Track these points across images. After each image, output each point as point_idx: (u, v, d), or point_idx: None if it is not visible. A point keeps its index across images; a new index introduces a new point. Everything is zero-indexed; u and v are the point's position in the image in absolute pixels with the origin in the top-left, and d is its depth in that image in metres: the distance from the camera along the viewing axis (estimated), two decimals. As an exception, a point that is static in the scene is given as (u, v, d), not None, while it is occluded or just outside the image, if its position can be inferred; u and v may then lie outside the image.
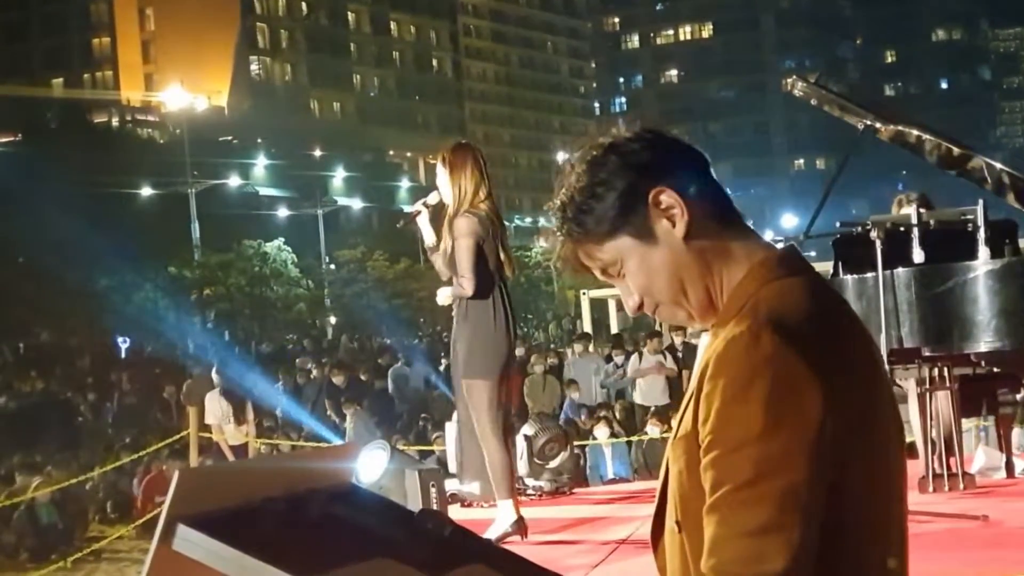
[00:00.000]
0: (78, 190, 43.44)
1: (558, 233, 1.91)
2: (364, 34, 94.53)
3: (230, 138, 72.88)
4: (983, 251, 6.51)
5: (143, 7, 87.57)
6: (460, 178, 6.20)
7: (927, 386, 6.72)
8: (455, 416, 8.85)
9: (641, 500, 7.53)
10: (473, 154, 6.34)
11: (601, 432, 14.16)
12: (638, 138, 1.90)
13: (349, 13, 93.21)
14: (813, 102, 7.85)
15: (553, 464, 8.60)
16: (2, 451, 17.22)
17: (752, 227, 1.93)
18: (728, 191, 1.94)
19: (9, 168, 45.94)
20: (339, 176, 75.14)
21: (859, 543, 1.77)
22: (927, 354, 6.59)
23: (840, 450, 1.72)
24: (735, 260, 1.86)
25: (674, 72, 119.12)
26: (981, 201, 6.63)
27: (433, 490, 6.33)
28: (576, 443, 11.94)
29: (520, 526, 6.12)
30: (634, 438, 14.38)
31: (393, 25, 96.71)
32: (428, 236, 6.55)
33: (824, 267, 6.82)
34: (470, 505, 7.58)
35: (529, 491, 8.08)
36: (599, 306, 23.01)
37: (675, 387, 15.46)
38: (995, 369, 6.96)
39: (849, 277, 6.69)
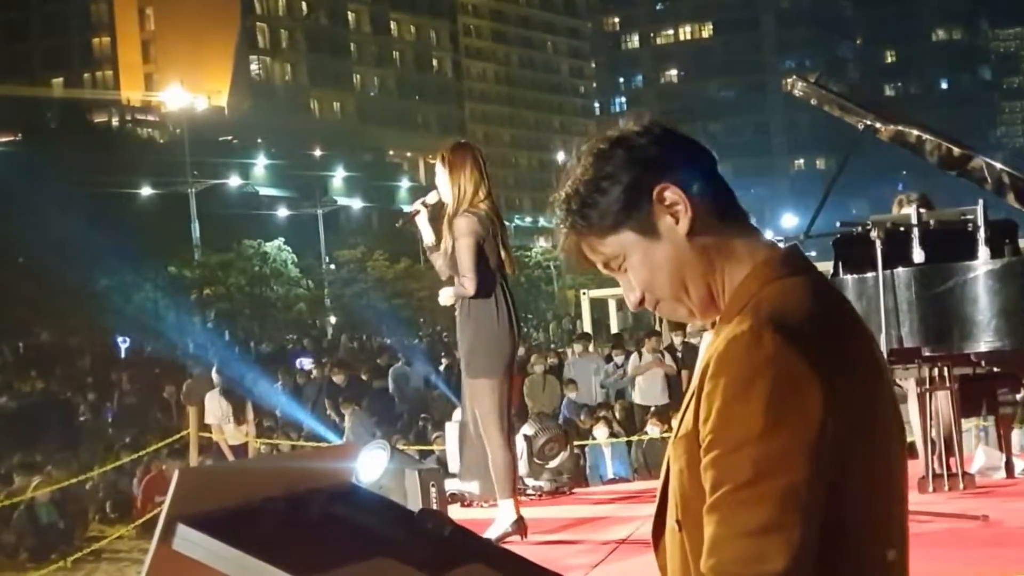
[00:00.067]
0: (78, 190, 43.45)
1: (562, 225, 1.91)
2: (364, 34, 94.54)
3: (230, 138, 72.89)
4: (983, 251, 6.50)
5: (143, 7, 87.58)
6: (460, 178, 6.19)
7: (927, 386, 6.72)
8: (455, 416, 8.86)
9: (641, 500, 7.53)
10: (472, 154, 6.34)
11: (601, 432, 14.16)
12: (646, 132, 1.89)
13: (349, 13, 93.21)
14: (813, 102, 7.84)
15: (553, 464, 8.60)
16: (2, 451, 17.23)
17: (756, 226, 1.93)
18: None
19: (9, 168, 45.94)
20: (339, 176, 75.16)
21: (860, 543, 1.76)
22: (927, 354, 6.59)
23: (841, 450, 1.72)
24: (738, 258, 1.86)
25: (674, 72, 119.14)
26: (981, 201, 6.63)
27: (433, 490, 6.34)
28: (576, 443, 11.94)
29: (520, 526, 6.12)
30: (634, 438, 14.38)
31: (393, 25, 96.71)
32: (427, 236, 6.53)
33: (824, 267, 6.81)
34: (470, 505, 7.58)
35: (529, 491, 8.08)
36: (599, 306, 23.03)
37: (674, 387, 15.45)
38: (995, 369, 6.95)
39: (849, 277, 6.68)
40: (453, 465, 8.14)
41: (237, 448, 14.38)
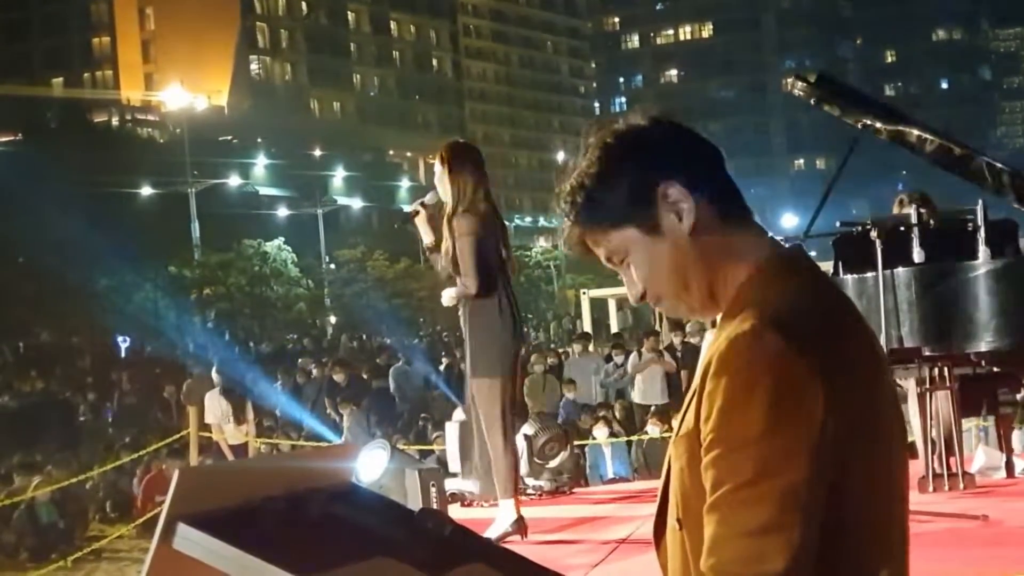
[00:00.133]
0: (78, 190, 43.44)
1: (566, 217, 1.91)
2: (364, 34, 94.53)
3: (230, 138, 72.89)
4: (983, 251, 6.50)
5: (143, 7, 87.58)
6: (458, 177, 6.18)
7: (927, 386, 6.72)
8: (455, 415, 8.86)
9: (641, 500, 7.53)
10: (471, 153, 6.34)
11: (601, 432, 14.15)
12: (653, 128, 1.89)
13: (349, 13, 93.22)
14: (812, 102, 7.84)
15: (553, 464, 8.60)
16: (2, 451, 17.23)
17: (760, 224, 1.92)
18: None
19: (9, 168, 45.94)
20: (339, 176, 75.16)
21: (860, 543, 1.76)
22: (927, 354, 6.59)
23: (841, 450, 1.72)
24: (741, 257, 1.86)
25: (674, 72, 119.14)
26: (981, 201, 6.63)
27: (433, 489, 6.34)
28: (576, 443, 11.93)
29: (520, 526, 6.12)
30: (634, 438, 14.38)
31: (393, 25, 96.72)
32: (427, 236, 6.52)
33: (824, 267, 6.81)
34: (470, 504, 7.58)
35: (529, 491, 8.08)
36: (599, 306, 23.03)
37: (674, 386, 15.45)
38: (995, 369, 6.96)
39: (849, 277, 6.68)
40: (453, 465, 8.14)
41: (237, 448, 14.37)
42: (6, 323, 35.10)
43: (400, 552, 1.87)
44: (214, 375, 15.21)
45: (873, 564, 1.79)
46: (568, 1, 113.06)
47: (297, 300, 48.03)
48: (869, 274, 6.55)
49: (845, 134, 7.76)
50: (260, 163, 71.20)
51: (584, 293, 22.18)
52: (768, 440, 1.69)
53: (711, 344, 1.82)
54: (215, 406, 14.44)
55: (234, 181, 63.00)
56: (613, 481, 13.08)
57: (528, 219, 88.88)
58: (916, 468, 6.47)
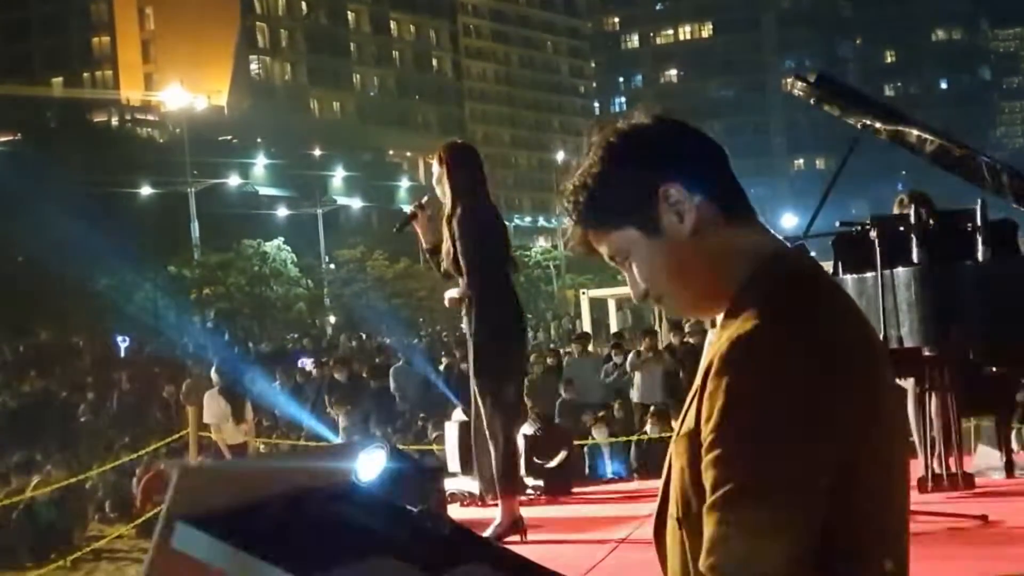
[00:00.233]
0: (78, 190, 43.45)
1: (569, 216, 1.92)
2: (364, 34, 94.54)
3: (230, 138, 72.90)
4: (983, 251, 6.50)
5: (143, 7, 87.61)
6: (457, 178, 6.18)
7: (926, 386, 6.72)
8: (455, 415, 8.86)
9: (640, 499, 7.53)
10: (469, 153, 6.33)
11: (600, 432, 14.15)
12: (656, 128, 1.89)
13: (349, 13, 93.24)
14: (812, 102, 7.84)
15: (552, 463, 8.61)
16: (2, 450, 17.23)
17: (764, 223, 1.92)
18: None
19: (9, 168, 45.95)
20: (339, 176, 75.15)
21: (860, 545, 1.76)
22: (926, 354, 6.59)
23: (841, 453, 1.72)
24: (743, 258, 1.86)
25: (674, 72, 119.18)
26: (981, 201, 6.63)
27: (432, 489, 6.34)
28: (575, 443, 11.93)
29: (519, 525, 6.12)
30: (633, 437, 14.38)
31: (393, 25, 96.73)
32: (426, 238, 6.50)
33: (824, 267, 6.80)
34: (470, 504, 7.58)
35: (528, 490, 8.08)
36: (599, 305, 23.03)
37: (673, 386, 15.44)
38: (995, 369, 6.96)
39: (849, 277, 6.68)
40: (453, 465, 8.15)
41: (236, 448, 14.35)
42: (6, 322, 35.12)
43: (399, 552, 1.87)
44: (213, 375, 15.18)
45: (873, 564, 1.79)
46: (568, 1, 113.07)
47: (297, 300, 48.04)
48: (868, 274, 6.55)
49: (845, 134, 7.76)
50: (260, 163, 71.21)
51: (584, 293, 22.20)
52: (769, 441, 1.69)
53: (713, 344, 1.83)
54: (214, 406, 14.41)
55: (234, 181, 63.00)
56: (612, 481, 13.08)
57: (528, 219, 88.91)
58: (916, 468, 6.47)
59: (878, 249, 6.45)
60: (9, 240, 40.67)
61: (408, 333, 32.95)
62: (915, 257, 6.58)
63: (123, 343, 35.44)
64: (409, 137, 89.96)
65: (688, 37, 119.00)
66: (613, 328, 21.12)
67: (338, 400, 16.74)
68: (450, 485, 7.35)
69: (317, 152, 77.61)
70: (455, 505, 7.49)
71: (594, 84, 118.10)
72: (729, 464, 1.71)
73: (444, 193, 6.22)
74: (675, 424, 1.90)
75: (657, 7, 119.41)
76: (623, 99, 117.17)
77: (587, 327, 20.15)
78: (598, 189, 1.88)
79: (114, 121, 78.57)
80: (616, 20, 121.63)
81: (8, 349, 31.40)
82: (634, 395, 15.84)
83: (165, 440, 15.37)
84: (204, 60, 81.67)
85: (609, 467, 14.05)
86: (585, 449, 13.90)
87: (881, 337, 6.32)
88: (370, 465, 2.12)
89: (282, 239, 49.32)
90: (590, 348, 18.13)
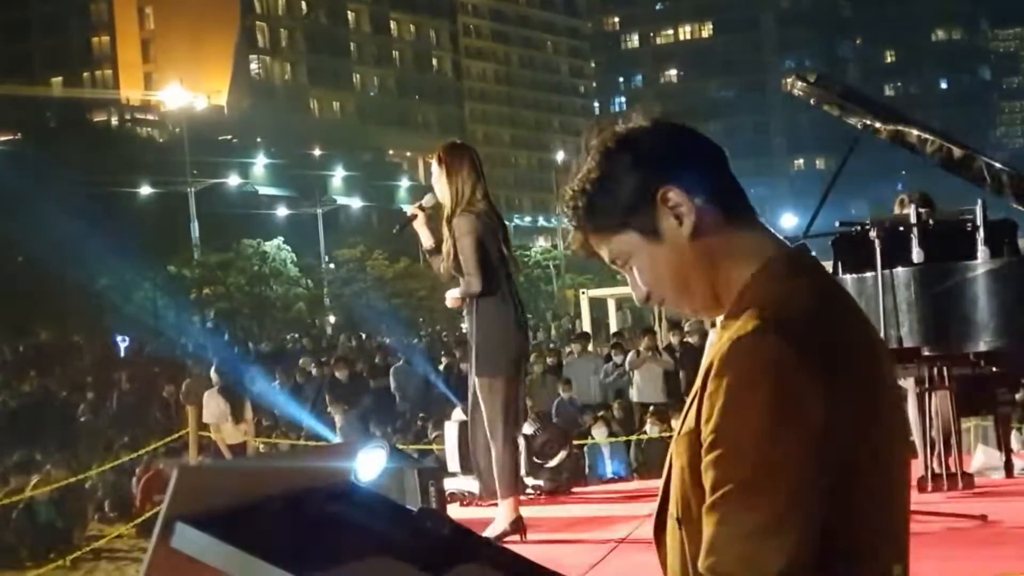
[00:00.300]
0: (78, 189, 43.49)
1: (569, 221, 1.92)
2: (364, 34, 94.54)
3: (229, 137, 72.91)
4: (982, 251, 6.50)
5: (143, 6, 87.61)
6: (456, 178, 6.18)
7: (926, 386, 6.72)
8: (454, 415, 8.86)
9: (640, 499, 7.53)
10: (468, 153, 6.33)
11: (599, 431, 14.15)
12: (654, 131, 1.90)
13: (349, 12, 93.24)
14: (812, 102, 7.84)
15: (552, 463, 8.61)
16: (1, 450, 17.23)
17: (765, 224, 1.92)
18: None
19: (8, 167, 45.96)
20: (338, 175, 75.15)
21: (860, 545, 1.76)
22: (926, 354, 6.59)
23: (842, 452, 1.72)
24: (744, 259, 1.86)
25: (674, 72, 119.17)
26: (980, 201, 6.63)
27: (432, 489, 6.34)
28: (575, 442, 11.94)
29: (519, 525, 6.12)
30: (632, 437, 14.38)
31: (393, 25, 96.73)
32: (426, 239, 6.51)
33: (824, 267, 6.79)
34: (470, 504, 7.58)
35: (528, 490, 8.08)
36: (599, 305, 23.01)
37: (673, 386, 15.45)
38: (994, 369, 6.95)
39: (848, 277, 6.68)
40: (452, 464, 8.15)
41: (235, 447, 14.36)
42: (5, 322, 35.12)
43: (399, 552, 1.87)
44: (213, 375, 15.19)
45: (874, 564, 1.79)
46: (568, 1, 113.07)
47: (296, 300, 48.03)
48: (868, 274, 6.55)
49: (845, 134, 7.76)
50: (260, 163, 71.22)
51: (583, 293, 22.18)
52: (769, 441, 1.69)
53: (714, 344, 1.83)
54: (214, 406, 14.42)
55: (233, 181, 63.00)
56: (612, 481, 13.08)
57: (528, 219, 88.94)
58: (915, 468, 6.47)
59: (878, 249, 6.45)
60: (9, 240, 40.67)
61: (408, 333, 32.95)
62: (915, 257, 6.58)
63: (123, 343, 35.46)
64: (409, 137, 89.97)
65: (688, 37, 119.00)
66: (613, 328, 21.11)
67: (334, 399, 16.74)
68: (450, 485, 7.35)
69: (317, 152, 77.62)
70: (455, 505, 7.49)
71: (594, 84, 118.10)
72: (729, 464, 1.71)
73: (443, 193, 6.22)
74: (675, 424, 1.90)
75: (657, 7, 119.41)
76: (623, 99, 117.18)
77: (587, 327, 20.13)
78: (597, 193, 1.88)
79: (114, 121, 78.59)
80: (616, 20, 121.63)
81: (8, 349, 31.40)
82: (634, 395, 15.84)
83: (164, 440, 15.36)
84: (204, 60, 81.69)
85: (609, 467, 14.04)
86: (585, 449, 13.90)
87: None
88: (370, 465, 2.12)
89: (282, 239, 49.31)
90: (590, 348, 18.13)
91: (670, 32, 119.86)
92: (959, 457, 7.08)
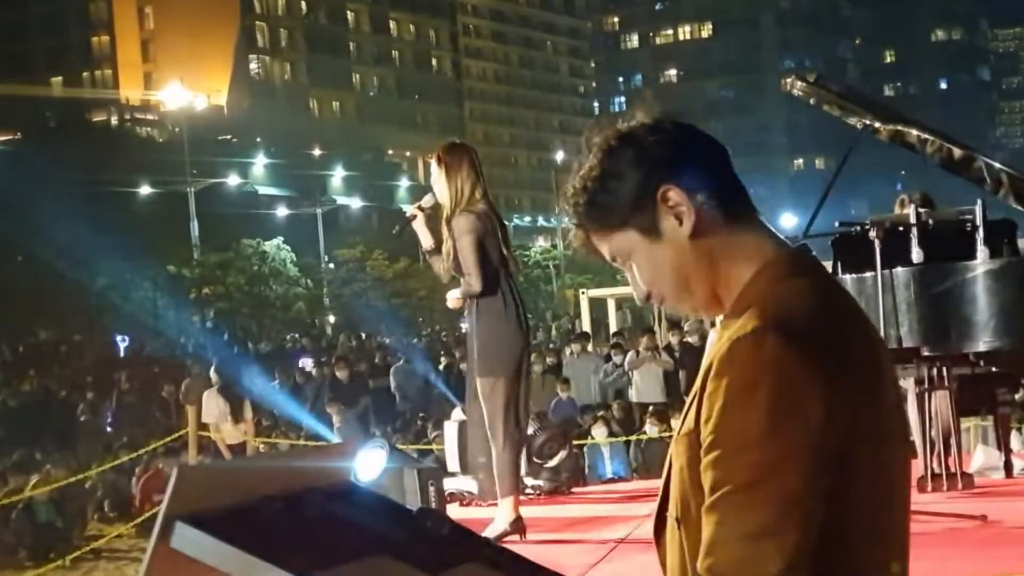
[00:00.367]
0: (77, 189, 43.52)
1: (570, 219, 1.92)
2: (364, 33, 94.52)
3: (229, 137, 72.90)
4: (982, 251, 6.50)
5: (142, 6, 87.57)
6: (456, 178, 6.17)
7: (926, 386, 6.72)
8: (454, 415, 8.86)
9: (639, 499, 7.53)
10: (467, 153, 6.32)
11: (599, 432, 14.14)
12: (656, 130, 1.89)
13: (348, 12, 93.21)
14: (812, 102, 7.84)
15: (552, 463, 8.61)
16: (1, 449, 17.22)
17: (766, 223, 1.92)
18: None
19: (8, 167, 45.98)
20: (338, 175, 75.14)
21: (859, 548, 1.76)
22: (926, 354, 6.59)
23: (842, 455, 1.72)
24: (744, 259, 1.86)
25: (674, 72, 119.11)
26: (980, 201, 6.63)
27: (432, 489, 6.33)
28: (575, 442, 11.93)
29: (519, 525, 6.12)
30: (632, 437, 14.37)
31: (392, 24, 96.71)
32: (426, 240, 6.50)
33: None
34: (469, 504, 7.57)
35: (528, 490, 8.07)
36: (598, 305, 23.00)
37: (673, 386, 15.45)
38: (994, 369, 6.96)
39: (848, 277, 6.68)
40: (452, 464, 8.14)
41: (235, 447, 14.36)
42: (5, 322, 35.10)
43: (399, 552, 1.87)
44: (212, 374, 15.19)
45: (873, 564, 1.79)
46: (568, 1, 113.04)
47: (296, 300, 48.01)
48: (868, 274, 6.55)
49: (845, 134, 7.76)
50: (259, 162, 71.20)
51: (583, 293, 22.16)
52: (768, 442, 1.69)
53: (714, 344, 1.82)
54: (213, 405, 14.42)
55: (233, 180, 63.00)
56: (612, 481, 13.07)
57: (528, 219, 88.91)
58: (915, 468, 6.47)
59: (878, 249, 6.45)
60: (9, 240, 40.66)
61: (408, 333, 32.95)
62: (915, 257, 6.58)
63: (122, 343, 35.47)
64: (409, 137, 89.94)
65: (688, 37, 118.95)
66: (613, 328, 21.10)
67: (331, 399, 16.74)
68: (450, 485, 7.34)
69: (317, 152, 77.60)
70: (455, 505, 7.49)
71: (594, 84, 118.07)
72: (728, 465, 1.71)
73: (443, 193, 6.22)
74: (675, 424, 1.90)
75: (657, 7, 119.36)
76: (623, 99, 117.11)
77: (587, 327, 20.13)
78: (598, 192, 1.88)
79: (113, 120, 78.60)
80: (616, 20, 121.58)
81: (7, 348, 31.40)
82: (633, 395, 15.84)
83: (164, 440, 15.36)
84: (203, 59, 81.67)
85: (608, 467, 14.03)
86: (584, 449, 13.89)
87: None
88: (369, 465, 2.12)
89: (281, 239, 49.29)
90: (589, 348, 18.12)
91: (670, 32, 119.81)
92: (959, 457, 7.08)
